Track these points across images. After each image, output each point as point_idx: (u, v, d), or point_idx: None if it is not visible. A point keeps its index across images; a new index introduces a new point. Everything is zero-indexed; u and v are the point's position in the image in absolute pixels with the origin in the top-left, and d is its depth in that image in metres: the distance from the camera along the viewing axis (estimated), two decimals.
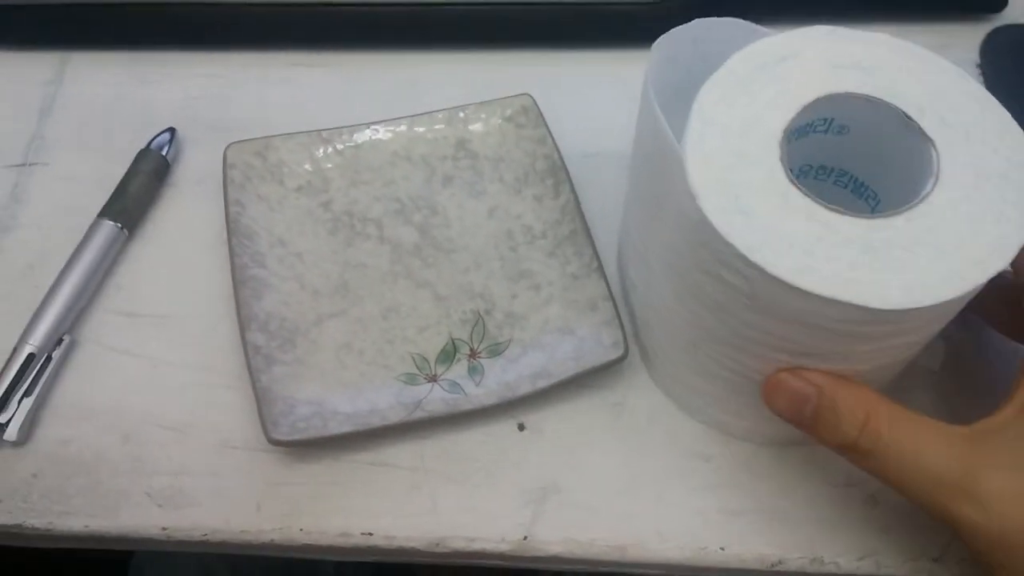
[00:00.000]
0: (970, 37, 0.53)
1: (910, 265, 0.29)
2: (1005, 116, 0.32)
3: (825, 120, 0.34)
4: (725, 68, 0.33)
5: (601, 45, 0.53)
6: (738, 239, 0.30)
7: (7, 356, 0.42)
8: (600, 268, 0.43)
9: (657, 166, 0.36)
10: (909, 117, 0.32)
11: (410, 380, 0.42)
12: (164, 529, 0.39)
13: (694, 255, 0.33)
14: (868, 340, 0.32)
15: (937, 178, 0.31)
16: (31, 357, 0.42)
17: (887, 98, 0.32)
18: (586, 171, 0.47)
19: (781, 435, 0.41)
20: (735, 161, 0.31)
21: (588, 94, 0.51)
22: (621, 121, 0.47)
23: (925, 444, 0.32)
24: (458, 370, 0.42)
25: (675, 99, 0.35)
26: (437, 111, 0.48)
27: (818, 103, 0.33)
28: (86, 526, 0.39)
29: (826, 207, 0.30)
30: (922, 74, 0.33)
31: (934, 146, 0.31)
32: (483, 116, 0.48)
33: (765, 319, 0.32)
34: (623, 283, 0.44)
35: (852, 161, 0.36)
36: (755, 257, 0.30)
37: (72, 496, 0.40)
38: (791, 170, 0.31)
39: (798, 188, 0.31)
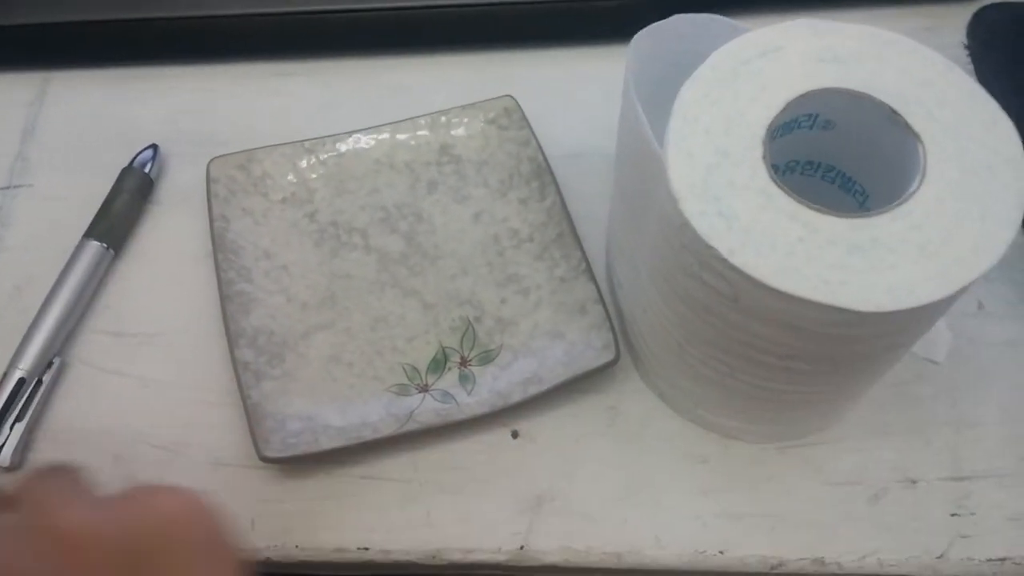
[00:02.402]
0: (956, 18, 0.52)
1: (895, 265, 0.29)
2: (993, 107, 0.31)
3: (810, 116, 0.33)
4: (706, 65, 0.33)
5: (582, 42, 0.52)
6: (719, 242, 0.29)
7: None
8: (589, 270, 0.42)
9: (639, 167, 0.35)
10: (895, 112, 0.31)
11: (401, 391, 0.41)
12: None
13: (677, 257, 0.32)
14: (854, 342, 0.31)
15: (924, 174, 0.30)
16: (21, 381, 0.42)
17: (872, 92, 0.32)
18: (572, 172, 0.46)
19: (776, 434, 0.40)
20: (717, 161, 0.31)
21: (571, 93, 0.51)
22: (605, 119, 0.46)
23: None
24: (449, 379, 0.41)
25: (656, 95, 0.34)
26: (419, 116, 0.48)
27: (802, 99, 0.32)
28: None
29: (809, 207, 0.30)
30: (908, 66, 0.32)
31: (920, 141, 0.31)
32: (465, 120, 0.47)
33: (750, 321, 0.31)
34: (611, 284, 0.44)
35: (839, 156, 0.35)
36: (736, 260, 0.29)
37: None
38: (777, 167, 0.31)
39: (781, 188, 0.30)
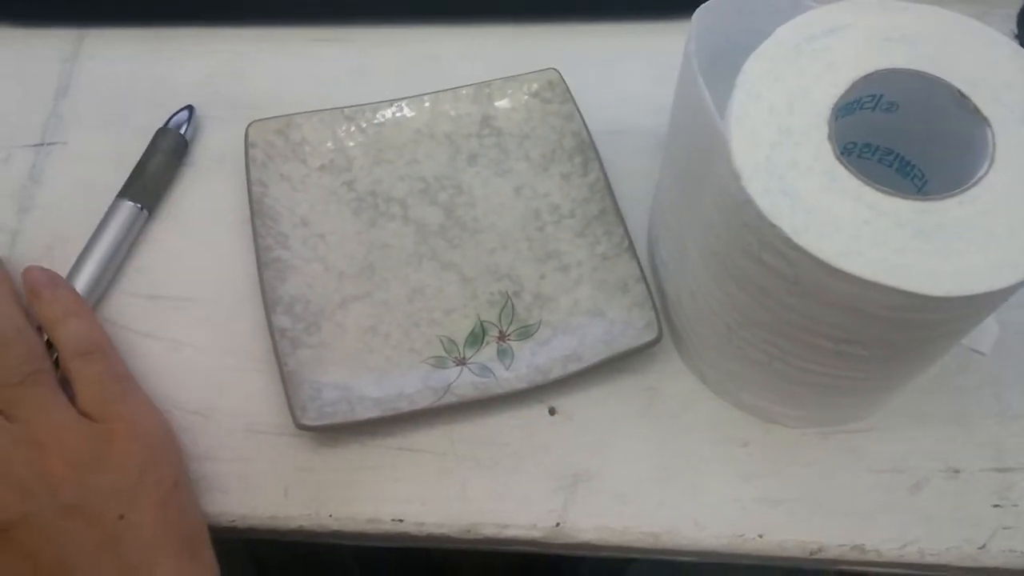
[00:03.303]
0: (1007, 6, 0.52)
1: (961, 250, 0.28)
2: None
3: (874, 96, 0.32)
4: (771, 40, 0.32)
5: (629, 17, 0.51)
6: (783, 221, 0.29)
7: None
8: (631, 248, 0.42)
9: (697, 143, 0.34)
10: (963, 94, 0.31)
11: (438, 363, 0.41)
12: None
13: (735, 237, 0.31)
14: (914, 327, 0.30)
15: (992, 160, 0.30)
16: None
17: (940, 74, 0.31)
18: (615, 148, 0.46)
19: (819, 419, 0.40)
20: (781, 139, 0.30)
21: (616, 68, 0.50)
22: (651, 96, 0.46)
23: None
24: (487, 353, 0.41)
25: (713, 71, 0.34)
26: (461, 87, 0.47)
27: (868, 79, 0.31)
28: None
29: (876, 188, 0.29)
30: (976, 48, 0.32)
31: (989, 126, 0.30)
32: (509, 92, 0.47)
33: (808, 304, 0.31)
34: (653, 263, 0.43)
35: (899, 139, 0.35)
36: (800, 240, 0.29)
37: None
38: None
39: (847, 168, 0.30)
